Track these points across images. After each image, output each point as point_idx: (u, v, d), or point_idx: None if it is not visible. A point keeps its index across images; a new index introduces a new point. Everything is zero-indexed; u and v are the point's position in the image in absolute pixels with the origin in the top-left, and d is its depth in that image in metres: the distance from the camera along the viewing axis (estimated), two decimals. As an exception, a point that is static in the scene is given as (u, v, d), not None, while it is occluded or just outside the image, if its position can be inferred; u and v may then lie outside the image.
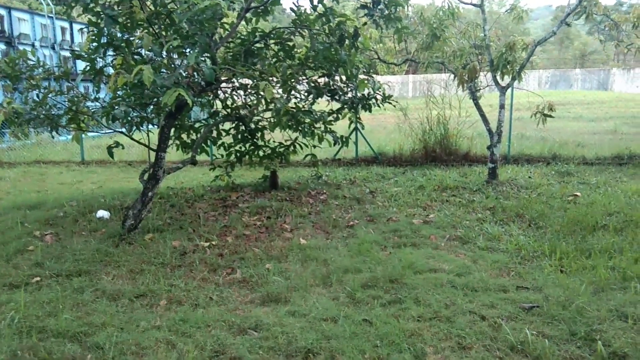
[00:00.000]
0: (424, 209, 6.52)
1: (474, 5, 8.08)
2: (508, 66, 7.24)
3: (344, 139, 7.71)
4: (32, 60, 6.02)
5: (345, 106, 7.49)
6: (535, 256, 4.70)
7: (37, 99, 5.83)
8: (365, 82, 6.96)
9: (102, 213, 6.34)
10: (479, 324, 3.39)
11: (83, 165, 11.32)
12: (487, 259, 4.64)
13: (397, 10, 6.28)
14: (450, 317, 3.48)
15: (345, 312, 3.58)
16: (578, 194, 6.95)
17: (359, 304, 3.76)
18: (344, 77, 7.19)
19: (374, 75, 7.56)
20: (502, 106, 7.87)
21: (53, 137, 7.25)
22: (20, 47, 15.44)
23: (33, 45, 17.38)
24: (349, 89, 7.50)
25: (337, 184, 8.23)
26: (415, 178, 8.47)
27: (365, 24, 6.44)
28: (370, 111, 7.54)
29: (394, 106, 7.90)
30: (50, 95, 5.91)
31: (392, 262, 4.51)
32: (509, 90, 8.11)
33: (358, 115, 8.03)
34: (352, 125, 8.86)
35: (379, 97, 7.44)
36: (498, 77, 7.77)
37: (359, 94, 7.48)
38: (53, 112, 5.92)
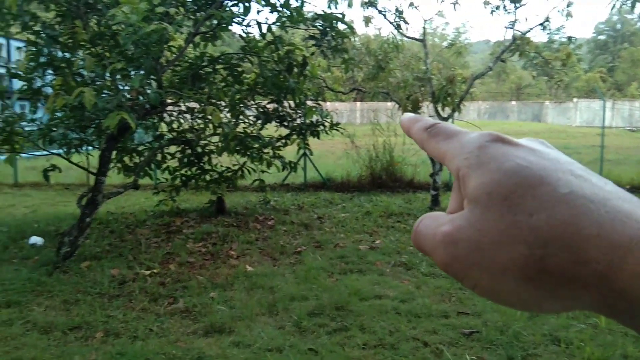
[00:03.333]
0: (370, 235, 6.62)
1: (417, 40, 8.46)
2: (448, 98, 7.60)
3: (292, 165, 7.74)
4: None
5: (293, 132, 7.55)
6: (475, 281, 4.86)
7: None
8: (313, 109, 7.07)
9: (36, 239, 5.98)
10: (421, 350, 3.45)
11: (16, 188, 10.66)
12: (430, 284, 4.75)
13: (344, 41, 6.47)
14: (395, 344, 3.53)
15: (291, 342, 3.55)
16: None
17: (305, 332, 3.73)
18: (292, 104, 7.28)
19: (322, 103, 7.70)
20: (444, 136, 8.20)
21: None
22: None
23: (-36, 60, 16.43)
24: (298, 116, 7.58)
25: (285, 209, 8.21)
26: (362, 204, 8.60)
27: (313, 53, 6.58)
28: (318, 138, 7.64)
29: (342, 133, 8.05)
30: (-19, 115, 5.58)
31: (338, 289, 4.52)
32: (450, 120, 8.49)
33: (306, 142, 8.12)
34: (301, 151, 8.93)
35: (326, 124, 7.57)
36: (439, 108, 8.12)
37: (307, 121, 7.58)
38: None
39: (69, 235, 5.27)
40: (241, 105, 6.83)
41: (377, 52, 8.27)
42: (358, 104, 31.14)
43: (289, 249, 5.93)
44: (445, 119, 8.22)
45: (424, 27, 8.34)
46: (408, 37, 8.52)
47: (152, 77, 5.38)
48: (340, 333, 3.71)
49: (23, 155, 6.21)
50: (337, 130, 7.69)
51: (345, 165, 10.95)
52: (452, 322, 3.90)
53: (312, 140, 7.98)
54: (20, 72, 5.78)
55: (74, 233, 5.27)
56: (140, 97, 5.32)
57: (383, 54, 8.17)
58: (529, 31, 8.04)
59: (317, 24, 6.28)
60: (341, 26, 6.36)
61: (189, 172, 7.72)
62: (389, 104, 9.85)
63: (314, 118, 7.41)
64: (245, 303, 4.26)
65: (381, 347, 3.49)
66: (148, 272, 4.98)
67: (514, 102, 42.88)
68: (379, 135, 10.32)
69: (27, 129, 6.07)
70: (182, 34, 6.47)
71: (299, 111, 7.50)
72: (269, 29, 6.06)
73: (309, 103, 7.38)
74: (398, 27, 8.28)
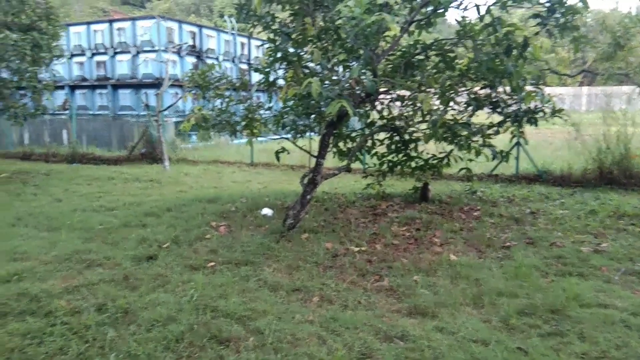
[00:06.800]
0: (595, 237, 5.85)
1: (674, 7, 7.02)
2: None
3: (503, 154, 7.29)
4: (218, 73, 6.90)
5: (507, 119, 7.09)
6: None
7: (221, 107, 6.67)
8: (533, 94, 6.51)
9: (267, 211, 6.97)
10: (659, 374, 2.96)
11: (252, 167, 12.55)
12: (674, 301, 3.99)
13: (575, 18, 5.77)
14: (622, 359, 3.09)
15: (497, 337, 3.41)
16: None
17: (513, 330, 3.55)
18: (507, 89, 6.82)
19: (542, 87, 7.03)
20: None
21: (231, 140, 8.20)
22: (208, 61, 17.70)
23: (217, 59, 19.78)
24: (513, 102, 7.09)
25: (493, 201, 7.82)
26: (586, 201, 7.63)
27: (537, 33, 6.04)
28: (536, 125, 7.02)
29: (565, 121, 7.24)
30: (230, 104, 6.72)
31: (554, 291, 4.15)
32: None
33: (521, 129, 7.53)
34: (514, 140, 8.33)
35: (547, 110, 6.90)
36: (701, 91, 6.62)
37: (524, 107, 7.02)
38: (232, 119, 6.71)
39: (293, 209, 6.00)
40: (452, 91, 6.70)
41: (615, 29, 7.15)
42: (585, 88, 27.36)
43: (496, 242, 5.66)
44: None
45: (683, -7, 6.87)
46: (660, 7, 7.13)
47: (368, 67, 5.67)
48: (555, 337, 3.41)
49: (257, 139, 7.26)
50: (560, 117, 6.96)
51: (566, 157, 9.82)
52: None
53: (527, 129, 7.39)
54: (260, 67, 6.74)
55: (297, 208, 5.97)
56: (357, 86, 5.67)
57: (623, 30, 7.02)
58: None
59: (542, 1, 5.74)
60: (572, 1, 5.69)
61: (395, 159, 7.96)
62: (626, 87, 8.45)
63: (533, 104, 6.83)
64: (449, 291, 4.24)
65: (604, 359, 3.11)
66: (357, 249, 5.35)
67: None
68: (612, 124, 8.94)
69: (263, 116, 7.06)
70: (397, 23, 6.63)
71: (514, 97, 7.00)
72: (488, 11, 5.78)
73: (528, 88, 6.81)
74: (647, -5, 6.98)
